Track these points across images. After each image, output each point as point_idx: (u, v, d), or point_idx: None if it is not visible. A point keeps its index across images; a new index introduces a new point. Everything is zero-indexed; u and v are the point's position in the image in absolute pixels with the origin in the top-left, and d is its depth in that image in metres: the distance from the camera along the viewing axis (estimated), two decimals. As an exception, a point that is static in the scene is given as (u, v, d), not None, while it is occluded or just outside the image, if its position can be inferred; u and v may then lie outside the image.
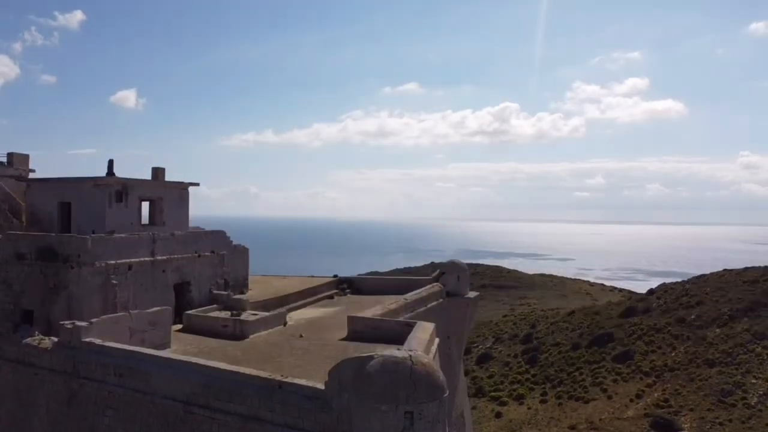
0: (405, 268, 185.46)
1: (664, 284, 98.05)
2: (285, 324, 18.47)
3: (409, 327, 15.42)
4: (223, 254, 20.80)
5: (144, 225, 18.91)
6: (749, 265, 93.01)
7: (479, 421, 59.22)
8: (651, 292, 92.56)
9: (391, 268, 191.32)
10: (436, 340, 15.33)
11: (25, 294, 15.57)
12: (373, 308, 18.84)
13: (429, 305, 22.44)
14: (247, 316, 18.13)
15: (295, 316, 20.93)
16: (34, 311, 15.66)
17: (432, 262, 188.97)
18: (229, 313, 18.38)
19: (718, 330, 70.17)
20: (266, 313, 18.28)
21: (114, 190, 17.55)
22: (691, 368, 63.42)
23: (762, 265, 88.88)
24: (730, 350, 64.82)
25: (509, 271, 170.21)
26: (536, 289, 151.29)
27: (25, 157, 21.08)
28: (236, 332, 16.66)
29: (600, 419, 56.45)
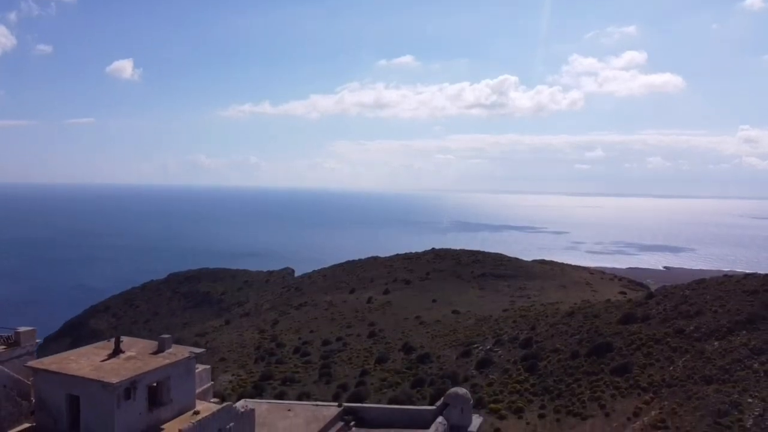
0: (405, 253, 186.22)
1: (664, 287, 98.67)
2: None
3: None
4: (230, 427, 20.87)
5: (150, 410, 18.85)
6: (749, 271, 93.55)
7: (479, 437, 60.19)
8: (651, 296, 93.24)
9: (392, 253, 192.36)
10: None
11: None
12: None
13: None
14: None
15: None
16: None
17: (433, 248, 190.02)
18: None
19: (716, 343, 70.87)
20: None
21: (123, 389, 17.57)
22: (689, 384, 64.17)
23: (763, 272, 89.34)
24: (728, 366, 65.50)
25: (509, 259, 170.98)
26: (536, 279, 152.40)
27: (32, 332, 21.01)
28: None
29: (598, 440, 57.44)
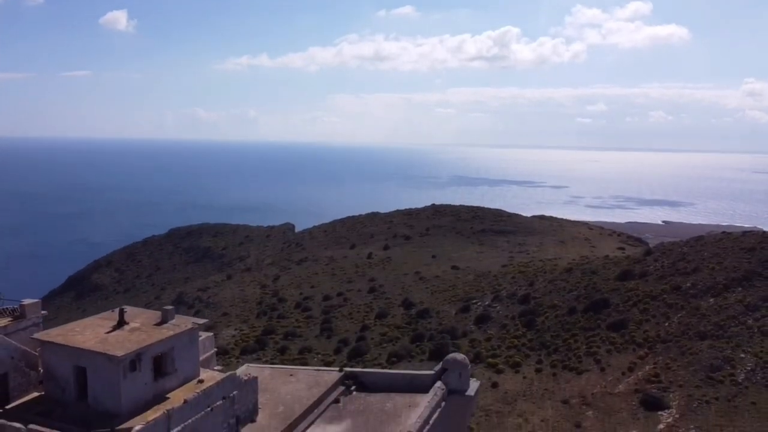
0: (405, 209, 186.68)
1: (662, 244, 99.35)
2: None
3: None
4: (234, 395, 21.31)
5: (155, 379, 19.25)
6: (747, 228, 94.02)
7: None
8: (649, 252, 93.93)
9: (392, 209, 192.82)
10: None
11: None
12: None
13: (431, 421, 23.39)
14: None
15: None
16: None
17: (432, 204, 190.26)
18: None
19: (712, 300, 71.91)
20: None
21: (128, 361, 17.95)
22: (683, 340, 65.45)
23: (762, 229, 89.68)
24: (722, 323, 66.67)
25: (509, 215, 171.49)
26: (535, 234, 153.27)
27: (37, 304, 21.31)
28: None
29: (592, 394, 58.89)
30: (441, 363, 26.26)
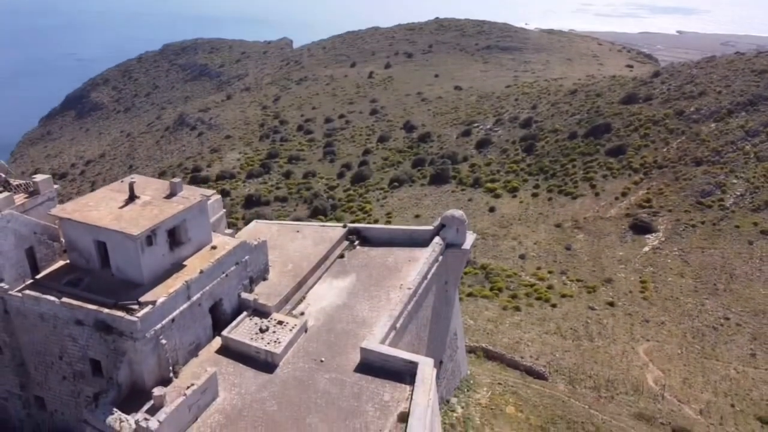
0: (408, 24, 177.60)
1: (671, 65, 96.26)
2: (306, 330, 20.99)
3: (412, 364, 18.49)
4: (246, 260, 22.06)
5: (171, 249, 19.96)
6: (764, 38, 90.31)
7: (473, 215, 64.61)
8: (657, 74, 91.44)
9: (393, 23, 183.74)
10: (433, 375, 18.32)
11: (90, 347, 17.75)
12: (382, 321, 20.87)
13: (429, 275, 24.42)
14: (273, 330, 20.53)
15: (313, 300, 23.21)
16: (101, 362, 18.03)
17: (436, 17, 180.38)
18: (257, 324, 20.55)
19: (713, 125, 71.88)
20: (290, 329, 20.38)
21: (144, 237, 18.34)
22: (679, 166, 66.84)
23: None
24: (720, 148, 67.46)
25: (515, 30, 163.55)
26: (542, 51, 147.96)
27: (49, 180, 21.16)
28: (267, 360, 19.65)
29: (584, 218, 61.73)
30: (440, 219, 27.28)
